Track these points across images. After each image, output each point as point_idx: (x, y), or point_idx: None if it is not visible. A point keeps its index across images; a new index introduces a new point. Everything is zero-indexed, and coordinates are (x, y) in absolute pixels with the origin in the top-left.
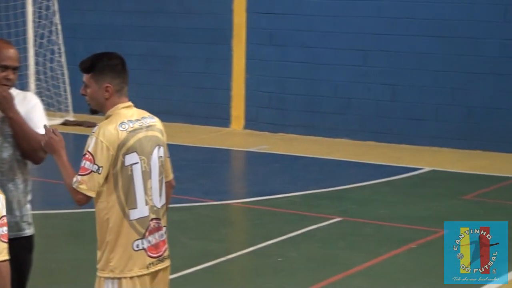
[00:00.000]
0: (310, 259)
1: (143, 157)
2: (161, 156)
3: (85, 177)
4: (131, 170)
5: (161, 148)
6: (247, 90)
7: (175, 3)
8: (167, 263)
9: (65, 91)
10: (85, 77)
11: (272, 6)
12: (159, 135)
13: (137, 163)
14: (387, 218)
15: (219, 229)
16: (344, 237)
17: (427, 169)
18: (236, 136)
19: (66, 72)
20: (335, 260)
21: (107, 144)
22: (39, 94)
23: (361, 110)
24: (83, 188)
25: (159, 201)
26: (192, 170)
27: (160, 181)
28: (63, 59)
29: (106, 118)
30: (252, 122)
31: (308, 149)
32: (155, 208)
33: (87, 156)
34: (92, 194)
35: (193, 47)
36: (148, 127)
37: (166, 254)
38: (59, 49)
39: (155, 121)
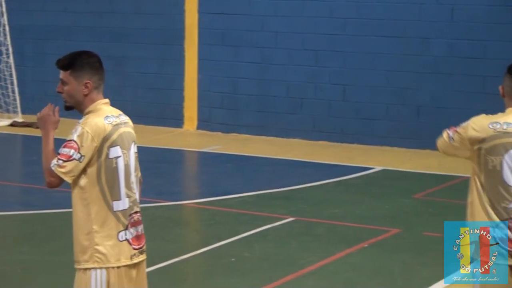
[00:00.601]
0: (263, 259)
1: (125, 151)
2: (136, 152)
3: (66, 163)
4: (116, 163)
5: (135, 145)
6: (200, 91)
7: (126, 4)
8: (145, 255)
9: (13, 92)
10: (63, 74)
11: (224, 6)
12: (132, 132)
13: (120, 156)
14: (339, 218)
15: (173, 230)
16: (296, 237)
17: (378, 168)
18: (189, 137)
19: (14, 73)
20: (288, 260)
21: (92, 135)
22: None
23: (313, 110)
24: (61, 171)
25: (138, 195)
26: (145, 171)
27: (136, 176)
28: (11, 60)
29: (85, 115)
30: (205, 123)
31: (261, 149)
32: (136, 201)
33: (71, 144)
34: (69, 179)
35: (145, 48)
36: (125, 123)
37: (145, 247)
38: (7, 50)
39: (128, 118)
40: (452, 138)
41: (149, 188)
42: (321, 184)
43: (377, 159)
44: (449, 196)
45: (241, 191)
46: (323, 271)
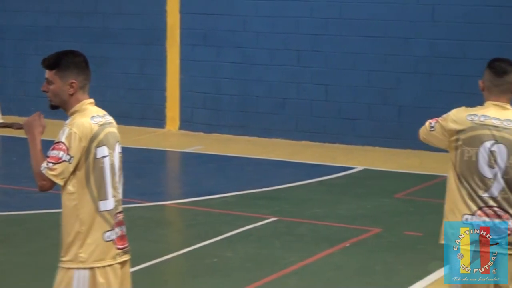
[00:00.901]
0: (246, 259)
1: (110, 151)
2: (120, 152)
3: (56, 165)
4: (103, 163)
5: (119, 145)
6: (182, 91)
7: (107, 4)
8: (129, 255)
9: None
10: (49, 73)
11: (205, 6)
12: (117, 132)
13: (107, 156)
14: (321, 218)
15: (155, 230)
16: (279, 237)
17: (360, 168)
18: (171, 137)
19: None
20: (271, 260)
21: (80, 136)
22: None
23: (295, 110)
24: (52, 174)
25: (121, 196)
26: (126, 171)
27: (120, 176)
28: None
29: (71, 114)
30: (187, 123)
31: (243, 149)
32: (120, 201)
33: (60, 146)
34: (60, 181)
35: (126, 48)
36: (110, 123)
37: (128, 247)
38: None
39: (112, 119)
40: (433, 127)
41: (131, 189)
42: (303, 184)
43: (359, 159)
44: (430, 195)
45: (223, 191)
46: (305, 271)
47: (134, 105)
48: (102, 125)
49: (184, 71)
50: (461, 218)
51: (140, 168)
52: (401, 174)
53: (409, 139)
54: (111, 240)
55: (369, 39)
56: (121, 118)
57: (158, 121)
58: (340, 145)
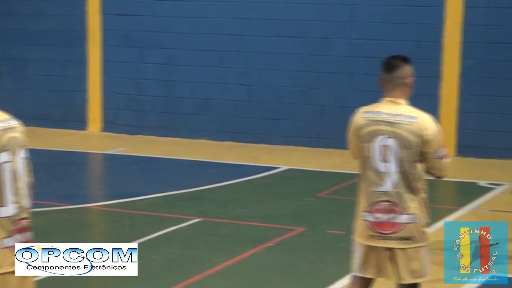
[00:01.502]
0: (171, 260)
1: (12, 157)
2: (24, 157)
3: None
4: (3, 169)
5: (24, 150)
6: (104, 93)
7: (26, 5)
8: None
9: None
10: None
11: (127, 7)
12: (21, 137)
13: (8, 162)
14: (245, 218)
15: (77, 233)
16: (203, 238)
17: (283, 168)
18: (93, 139)
19: None
20: (195, 261)
21: None
22: None
23: (219, 111)
24: None
25: (27, 201)
26: (46, 174)
27: (25, 182)
28: None
29: None
30: (110, 125)
31: (167, 150)
32: (24, 208)
33: None
34: None
35: (47, 50)
36: (13, 128)
37: None
38: None
39: (17, 123)
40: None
41: (50, 192)
42: (227, 184)
43: (282, 158)
44: (352, 194)
45: (147, 193)
46: (230, 271)
47: (55, 106)
48: (4, 130)
49: (106, 72)
50: (359, 215)
51: (62, 170)
52: (324, 173)
53: (332, 139)
54: (8, 247)
55: (291, 40)
56: (40, 120)
57: (80, 122)
58: (264, 145)
